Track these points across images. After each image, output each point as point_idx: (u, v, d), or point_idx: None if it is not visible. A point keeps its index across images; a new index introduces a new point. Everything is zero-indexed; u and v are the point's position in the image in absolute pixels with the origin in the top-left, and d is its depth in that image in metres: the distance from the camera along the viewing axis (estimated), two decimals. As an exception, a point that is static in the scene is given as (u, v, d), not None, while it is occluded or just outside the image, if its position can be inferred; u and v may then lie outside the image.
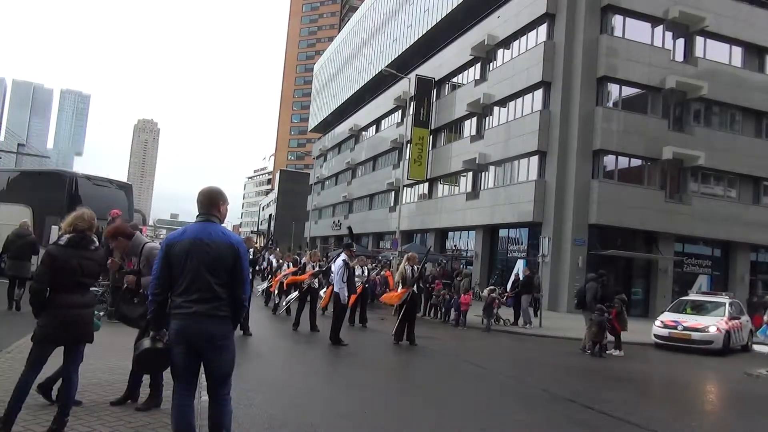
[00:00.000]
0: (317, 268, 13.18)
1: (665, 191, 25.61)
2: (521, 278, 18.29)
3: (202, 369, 3.70)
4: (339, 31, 76.28)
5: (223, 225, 3.85)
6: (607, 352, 12.46)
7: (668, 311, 15.63)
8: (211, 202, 3.82)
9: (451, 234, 34.94)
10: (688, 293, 18.44)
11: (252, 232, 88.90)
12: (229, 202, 3.97)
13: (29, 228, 12.39)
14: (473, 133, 31.86)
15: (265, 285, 17.88)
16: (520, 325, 16.84)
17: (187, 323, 3.58)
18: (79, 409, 4.70)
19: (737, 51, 27.31)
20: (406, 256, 12.94)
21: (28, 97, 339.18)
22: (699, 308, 15.42)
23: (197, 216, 3.84)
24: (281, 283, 15.10)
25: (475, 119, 31.98)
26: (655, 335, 14.75)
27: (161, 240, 7.29)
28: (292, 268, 15.31)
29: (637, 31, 25.45)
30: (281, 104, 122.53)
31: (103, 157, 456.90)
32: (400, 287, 12.20)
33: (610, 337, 12.72)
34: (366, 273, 15.33)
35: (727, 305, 15.01)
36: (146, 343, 3.79)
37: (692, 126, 26.23)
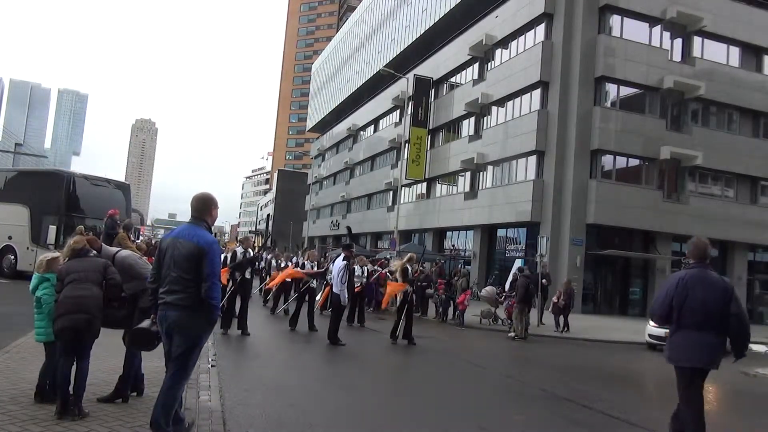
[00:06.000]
0: (315, 268, 13.16)
1: (663, 191, 25.65)
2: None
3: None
4: (337, 31, 76.24)
5: (209, 228, 4.27)
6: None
7: None
8: (203, 208, 4.29)
9: (449, 234, 34.94)
10: None
11: (250, 231, 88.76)
12: (218, 206, 4.43)
13: (82, 230, 14.18)
14: (471, 132, 31.88)
15: (261, 285, 17.88)
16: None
17: (162, 313, 4.11)
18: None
19: (735, 51, 27.35)
20: (407, 256, 12.98)
21: (26, 96, 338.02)
22: None
23: (190, 218, 4.29)
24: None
25: (473, 119, 32.00)
26: (650, 335, 14.31)
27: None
28: (290, 267, 15.29)
29: (635, 31, 25.48)
30: (279, 104, 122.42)
31: (100, 157, 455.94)
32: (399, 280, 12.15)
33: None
34: (365, 273, 15.31)
35: None
36: (146, 323, 4.34)
37: (690, 126, 26.27)
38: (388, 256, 23.60)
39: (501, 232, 30.02)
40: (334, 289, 11.07)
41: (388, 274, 15.20)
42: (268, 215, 78.91)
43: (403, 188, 35.67)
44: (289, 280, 14.26)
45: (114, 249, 5.39)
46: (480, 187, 30.47)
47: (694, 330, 4.91)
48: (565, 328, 16.22)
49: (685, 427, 5.07)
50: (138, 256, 5.40)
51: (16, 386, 5.21)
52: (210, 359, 7.38)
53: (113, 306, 4.97)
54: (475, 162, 29.76)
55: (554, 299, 16.90)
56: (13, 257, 17.92)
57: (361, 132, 51.76)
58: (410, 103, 34.58)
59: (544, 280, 17.53)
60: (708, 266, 5.12)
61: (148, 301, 4.39)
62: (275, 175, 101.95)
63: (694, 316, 4.90)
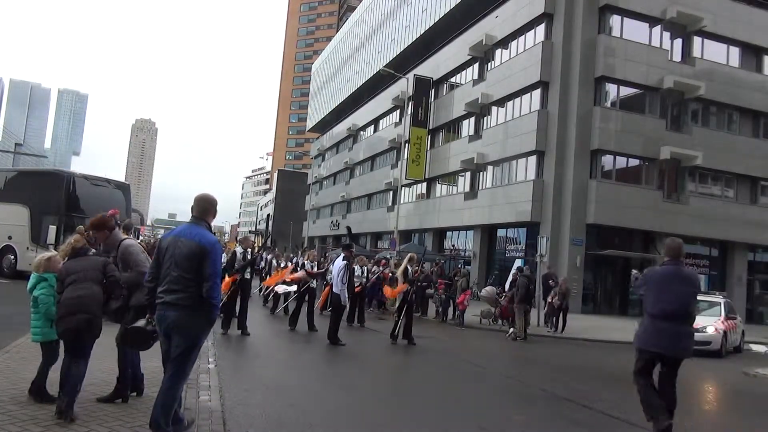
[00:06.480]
0: (315, 268, 13.15)
1: (663, 191, 25.65)
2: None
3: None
4: (337, 31, 76.23)
5: (209, 228, 4.25)
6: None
7: None
8: (207, 208, 4.31)
9: (449, 234, 34.94)
10: None
11: (250, 231, 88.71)
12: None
13: (83, 230, 14.67)
14: (471, 132, 31.88)
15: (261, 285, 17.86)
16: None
17: (161, 312, 4.08)
18: (77, 409, 4.68)
19: (734, 51, 27.34)
20: (408, 256, 12.97)
21: (26, 96, 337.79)
22: None
23: (190, 218, 4.27)
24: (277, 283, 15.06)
25: (473, 119, 32.00)
26: None
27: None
28: (289, 267, 15.29)
29: (635, 31, 25.48)
30: (279, 104, 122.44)
31: (100, 157, 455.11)
32: (400, 282, 12.25)
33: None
34: (365, 273, 15.30)
35: (722, 305, 14.81)
36: (141, 322, 4.34)
37: (690, 126, 26.27)
38: (388, 256, 23.62)
39: (501, 232, 30.02)
40: (334, 289, 11.08)
41: (390, 274, 15.24)
42: (268, 215, 78.91)
43: (403, 188, 35.68)
44: (289, 280, 14.27)
45: (123, 236, 5.42)
46: (480, 187, 30.47)
47: (662, 319, 5.41)
48: (561, 328, 16.08)
49: (642, 403, 5.57)
50: (142, 249, 5.43)
51: (16, 386, 5.21)
52: (210, 359, 7.38)
53: (108, 298, 4.97)
54: (475, 162, 29.76)
55: (549, 299, 16.89)
56: (13, 257, 17.92)
57: (361, 132, 51.76)
58: (410, 103, 34.58)
59: (551, 281, 17.56)
60: (682, 263, 5.65)
61: (144, 300, 4.34)
62: (275, 175, 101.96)
63: (668, 307, 5.38)
